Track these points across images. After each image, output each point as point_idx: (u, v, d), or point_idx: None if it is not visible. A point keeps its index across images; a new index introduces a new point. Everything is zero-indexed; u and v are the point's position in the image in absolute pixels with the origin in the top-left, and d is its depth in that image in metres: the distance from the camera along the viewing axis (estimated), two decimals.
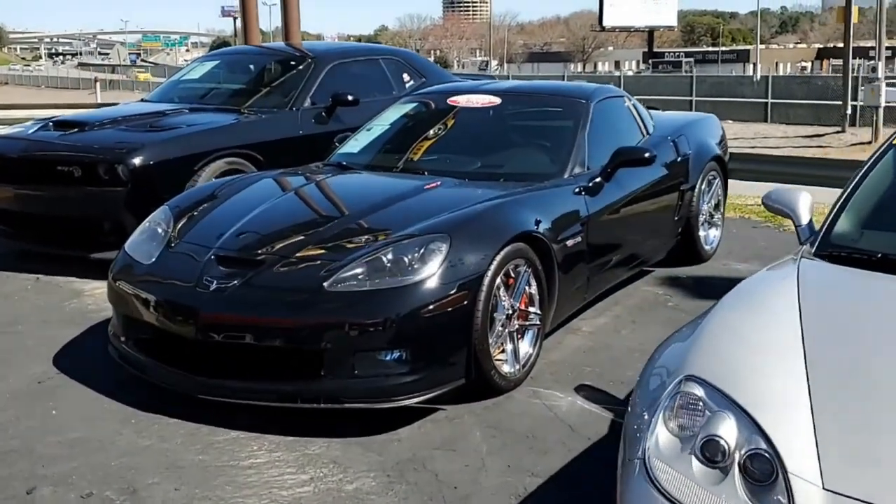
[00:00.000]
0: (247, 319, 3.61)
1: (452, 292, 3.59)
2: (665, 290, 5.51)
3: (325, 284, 3.59)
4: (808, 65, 75.45)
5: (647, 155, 4.76)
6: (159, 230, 4.31)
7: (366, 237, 3.89)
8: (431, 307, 3.53)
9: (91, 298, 5.48)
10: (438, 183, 4.47)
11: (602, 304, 5.10)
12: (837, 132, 25.82)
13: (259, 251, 3.89)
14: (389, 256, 3.66)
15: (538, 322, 4.12)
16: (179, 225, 4.31)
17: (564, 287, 4.32)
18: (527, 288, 4.04)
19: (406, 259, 3.64)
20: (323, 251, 3.83)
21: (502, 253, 3.80)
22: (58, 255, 6.14)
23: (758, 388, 2.15)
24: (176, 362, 3.80)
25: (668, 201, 5.52)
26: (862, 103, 25.63)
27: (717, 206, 6.25)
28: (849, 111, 25.80)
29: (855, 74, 26.33)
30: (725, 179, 6.34)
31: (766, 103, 31.05)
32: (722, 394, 2.12)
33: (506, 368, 3.90)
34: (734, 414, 2.07)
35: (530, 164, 4.86)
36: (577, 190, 4.53)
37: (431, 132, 5.26)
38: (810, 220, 3.24)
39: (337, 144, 5.60)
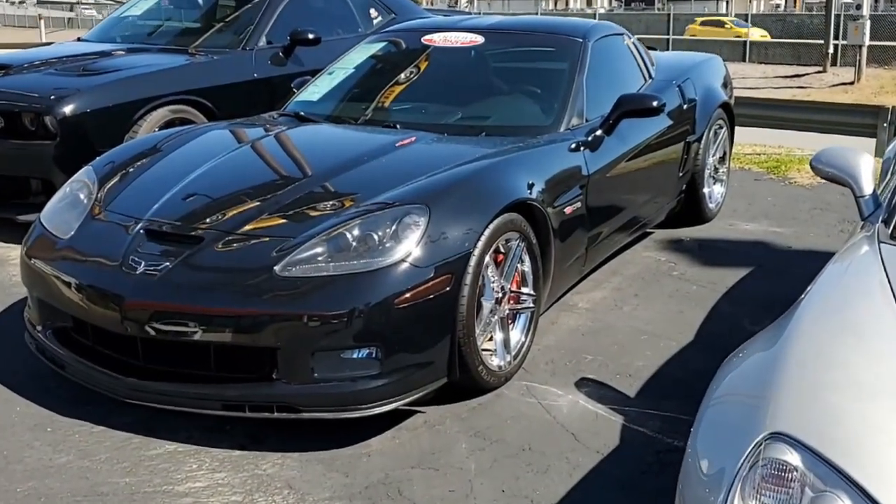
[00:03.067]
0: (182, 309, 2.95)
1: (432, 276, 2.95)
2: (668, 257, 4.91)
3: (277, 268, 2.94)
4: (782, 2, 74.43)
5: (654, 104, 4.11)
6: (81, 196, 3.62)
7: (328, 206, 3.23)
8: (407, 295, 2.90)
9: (15, 269, 4.74)
10: (413, 139, 3.80)
11: (598, 273, 4.50)
12: (818, 72, 25.23)
13: (198, 224, 3.22)
14: (356, 233, 3.01)
15: (532, 305, 3.51)
16: (107, 188, 3.62)
17: (561, 261, 3.70)
18: (518, 265, 3.42)
19: (376, 236, 2.99)
20: (275, 224, 3.17)
21: (492, 226, 3.16)
22: None
23: (880, 453, 1.53)
24: (100, 358, 3.16)
25: (673, 155, 4.89)
26: (844, 42, 25.03)
27: (722, 159, 5.63)
28: (830, 50, 25.19)
29: (837, 13, 25.63)
30: (732, 129, 5.72)
31: (745, 42, 30.35)
32: (828, 464, 1.51)
33: (495, 361, 3.30)
34: (849, 496, 1.46)
35: (520, 115, 4.19)
36: (574, 146, 3.88)
37: (403, 77, 4.56)
38: (875, 191, 2.62)
39: (295, 90, 4.88)
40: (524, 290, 3.47)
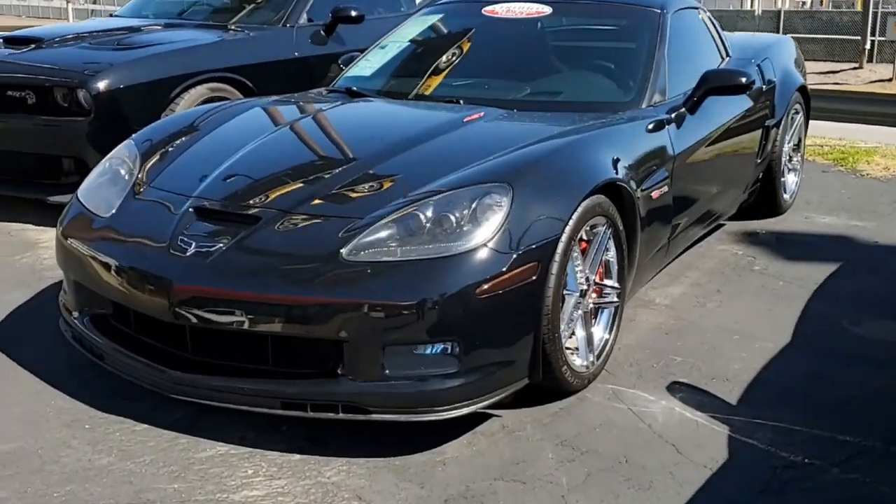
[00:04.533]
0: (237, 296, 2.63)
1: (516, 264, 2.62)
2: (745, 250, 4.55)
3: (344, 252, 2.62)
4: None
5: (742, 80, 3.75)
6: (122, 171, 3.31)
7: (394, 185, 2.90)
8: (489, 284, 2.57)
9: (47, 252, 4.49)
10: (481, 114, 3.46)
11: (672, 267, 4.14)
12: (854, 68, 24.58)
13: (252, 202, 2.91)
14: (429, 213, 2.68)
15: (616, 299, 3.17)
16: (149, 165, 3.31)
17: (645, 251, 3.36)
18: (603, 255, 3.08)
19: (452, 217, 2.66)
20: (338, 204, 2.85)
21: (580, 209, 2.83)
22: (8, 197, 5.13)
23: None
24: (144, 349, 2.85)
25: (752, 140, 4.52)
26: (881, 38, 24.40)
27: (797, 147, 5.26)
28: (867, 46, 24.55)
29: (875, 9, 25.00)
30: (808, 114, 5.34)
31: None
32: None
33: (577, 361, 2.96)
34: None
35: (596, 90, 3.84)
36: (659, 124, 3.53)
37: (463, 50, 4.22)
38: None
39: (342, 67, 4.56)
40: (608, 282, 3.13)
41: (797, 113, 5.11)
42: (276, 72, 5.60)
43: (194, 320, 2.66)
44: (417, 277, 2.55)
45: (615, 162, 3.10)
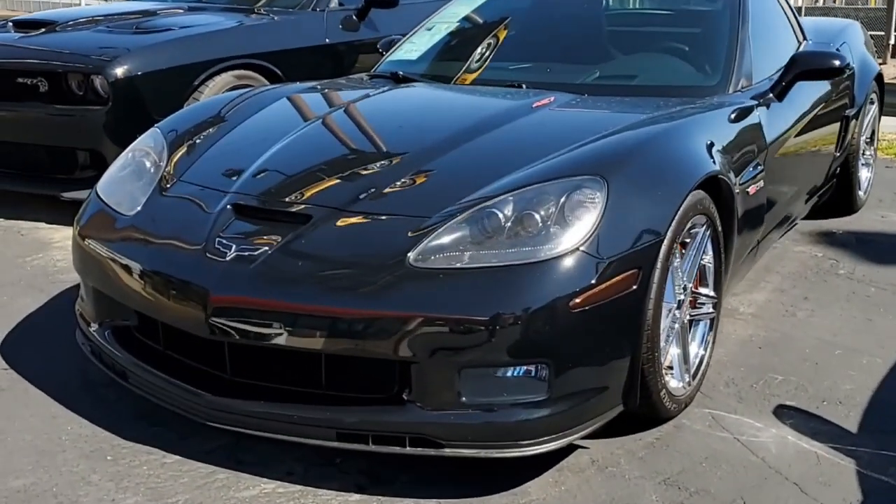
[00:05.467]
0: (285, 307, 2.24)
1: (614, 272, 2.22)
2: (824, 252, 4.14)
3: (411, 256, 2.22)
4: None
5: (836, 63, 3.35)
6: (147, 164, 2.92)
7: (460, 180, 2.51)
8: (582, 297, 2.16)
9: (61, 252, 4.12)
10: (551, 98, 3.07)
11: (751, 271, 3.73)
12: (879, 64, 24.12)
13: (298, 200, 2.52)
14: (508, 211, 2.29)
15: (712, 310, 2.77)
16: (176, 157, 2.92)
17: (738, 254, 2.96)
18: (701, 259, 2.68)
19: (537, 216, 2.26)
20: (399, 200, 2.46)
21: (684, 205, 2.43)
22: (18, 193, 4.75)
23: None
24: (175, 368, 2.47)
25: (832, 132, 4.11)
26: None
27: (870, 140, 4.85)
28: (892, 41, 24.05)
29: None
30: (882, 105, 4.93)
31: None
32: None
33: (673, 383, 2.56)
34: None
35: (676, 73, 3.42)
36: (749, 112, 3.13)
37: (519, 30, 3.83)
38: None
39: (382, 52, 4.16)
40: (703, 290, 2.74)
41: (872, 103, 4.71)
42: (305, 59, 5.21)
43: (234, 336, 2.28)
44: (499, 287, 2.15)
45: (713, 153, 2.70)
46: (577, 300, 2.15)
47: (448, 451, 2.19)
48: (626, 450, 2.46)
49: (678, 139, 2.64)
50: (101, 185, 2.91)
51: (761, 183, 3.02)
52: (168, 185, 2.76)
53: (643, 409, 2.44)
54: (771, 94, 3.33)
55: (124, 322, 2.66)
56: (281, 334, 2.24)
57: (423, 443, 2.20)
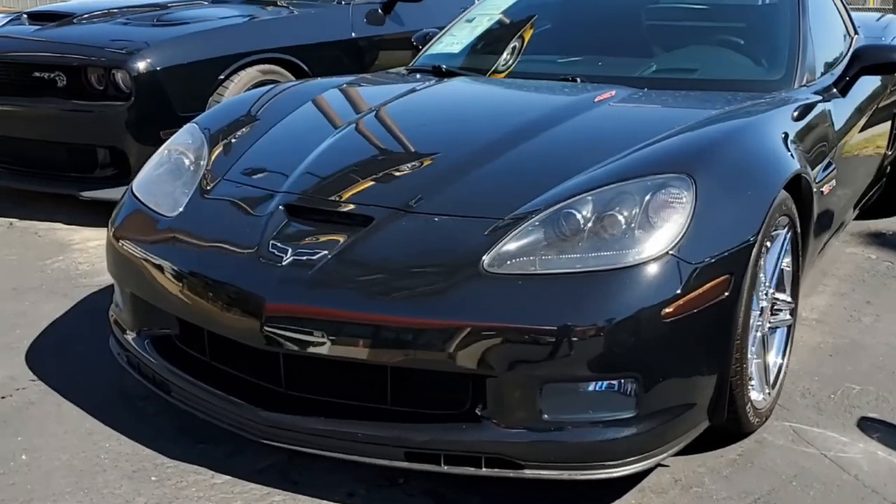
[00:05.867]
0: (349, 316, 2.08)
1: (706, 277, 2.06)
2: (878, 254, 3.98)
3: (485, 261, 2.06)
4: None
5: None
6: (186, 162, 2.75)
7: (530, 179, 2.34)
8: (674, 305, 2.00)
9: (82, 255, 3.94)
10: (612, 92, 2.90)
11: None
12: None
13: (358, 198, 2.36)
14: (587, 212, 2.12)
15: (789, 317, 2.61)
16: (216, 155, 2.76)
17: (811, 258, 2.80)
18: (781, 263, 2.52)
19: (620, 217, 2.10)
20: (464, 202, 2.29)
21: (773, 206, 2.27)
22: (36, 193, 4.58)
23: None
24: (224, 381, 2.30)
25: (884, 129, 3.96)
26: None
27: None
28: None
29: None
30: None
31: None
32: None
33: (754, 395, 2.39)
34: None
35: (738, 67, 3.26)
36: (818, 107, 2.97)
37: (567, 22, 3.66)
38: None
39: (419, 46, 4.00)
40: (780, 295, 2.57)
41: None
42: (331, 53, 5.06)
43: (292, 346, 2.11)
44: (585, 295, 1.99)
45: (793, 151, 2.54)
46: (670, 309, 1.99)
47: (528, 473, 2.03)
48: (709, 468, 2.29)
49: (760, 135, 2.48)
50: (138, 185, 2.74)
51: (833, 182, 2.86)
52: (211, 185, 2.59)
53: (728, 424, 2.28)
54: (835, 90, 3.18)
55: (165, 330, 2.49)
56: (343, 346, 2.07)
57: (500, 463, 2.03)
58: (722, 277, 2.09)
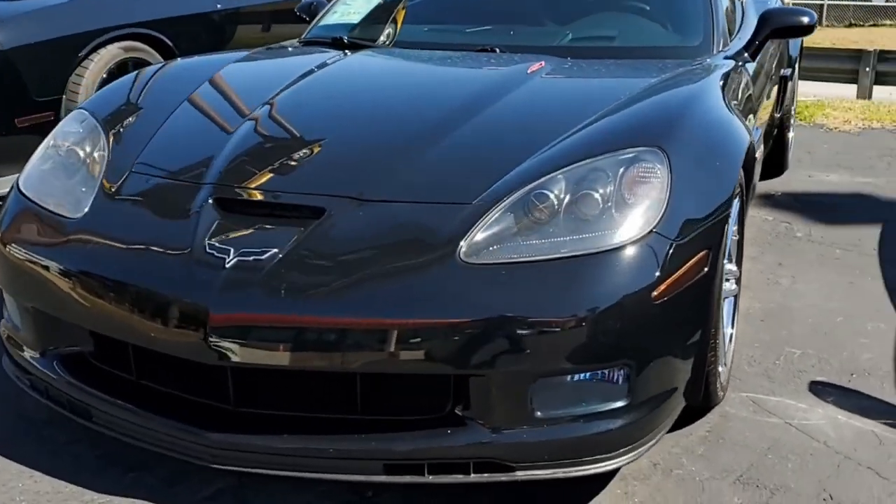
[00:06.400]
0: (313, 322, 1.85)
1: (689, 254, 1.97)
2: (774, 215, 4.09)
3: (462, 250, 1.89)
4: None
5: (805, 20, 3.23)
6: (81, 154, 2.40)
7: (488, 159, 2.18)
8: (664, 285, 1.90)
9: None
10: (541, 63, 2.76)
11: None
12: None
13: (299, 189, 2.12)
14: (559, 191, 1.99)
15: (735, 286, 2.59)
16: (113, 145, 2.42)
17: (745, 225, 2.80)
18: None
19: (596, 195, 1.98)
20: (423, 188, 2.10)
21: (739, 177, 2.22)
22: None
23: None
24: (157, 401, 2.02)
25: (774, 92, 4.05)
26: None
27: (791, 101, 4.85)
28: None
29: None
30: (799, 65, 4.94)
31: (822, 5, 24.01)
32: None
33: (720, 368, 2.35)
34: None
35: (655, 34, 3.19)
36: (739, 73, 2.96)
37: None
38: None
39: (306, 18, 3.73)
40: (729, 266, 2.54)
41: (795, 62, 4.70)
42: (197, 27, 4.69)
43: (244, 360, 1.86)
44: (574, 280, 1.86)
45: (739, 118, 2.50)
46: (661, 288, 1.89)
47: (520, 475, 1.89)
48: (683, 447, 2.24)
49: (714, 104, 2.41)
50: (25, 182, 2.37)
51: (762, 147, 2.86)
52: (118, 180, 2.26)
53: (702, 402, 2.23)
54: (746, 54, 3.18)
55: (76, 347, 2.17)
56: (307, 355, 1.85)
57: (490, 467, 1.88)
58: (702, 252, 2.01)
